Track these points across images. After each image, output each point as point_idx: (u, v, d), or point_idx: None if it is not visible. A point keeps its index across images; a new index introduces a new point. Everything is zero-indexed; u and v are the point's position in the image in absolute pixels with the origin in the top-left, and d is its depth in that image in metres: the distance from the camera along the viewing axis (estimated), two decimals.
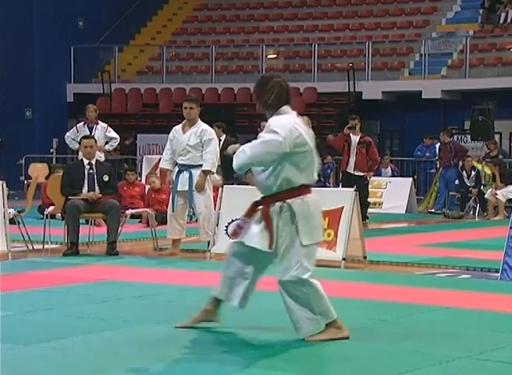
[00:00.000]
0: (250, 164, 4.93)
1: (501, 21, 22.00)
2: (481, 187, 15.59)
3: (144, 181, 14.48)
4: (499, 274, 7.71)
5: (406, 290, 7.13)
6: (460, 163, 15.75)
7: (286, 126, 4.88)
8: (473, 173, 15.56)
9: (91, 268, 8.29)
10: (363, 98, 20.71)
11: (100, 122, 12.83)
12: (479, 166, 15.85)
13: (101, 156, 11.94)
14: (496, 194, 14.79)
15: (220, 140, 11.86)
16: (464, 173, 15.58)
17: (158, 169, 11.24)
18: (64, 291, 6.83)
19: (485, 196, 15.27)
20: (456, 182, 15.94)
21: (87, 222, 10.15)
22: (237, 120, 19.88)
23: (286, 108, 5.03)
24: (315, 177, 5.07)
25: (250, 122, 17.91)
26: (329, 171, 17.91)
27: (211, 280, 7.55)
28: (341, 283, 7.45)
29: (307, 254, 4.93)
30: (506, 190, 14.76)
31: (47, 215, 9.75)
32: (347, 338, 5.00)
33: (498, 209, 14.85)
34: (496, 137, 18.21)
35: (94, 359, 4.61)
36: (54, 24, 22.26)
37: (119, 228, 9.30)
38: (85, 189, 9.27)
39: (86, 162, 9.44)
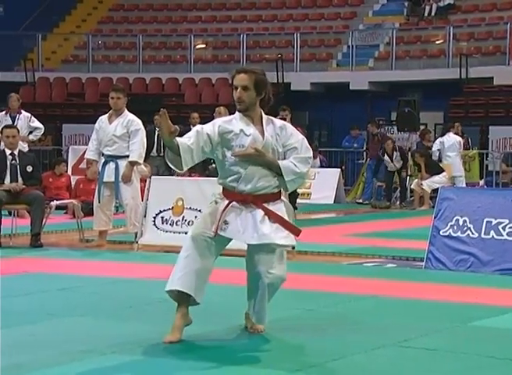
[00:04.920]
0: None
1: (425, 14, 22.42)
2: (406, 175, 15.85)
3: (70, 172, 14.23)
4: (423, 263, 7.85)
5: (333, 279, 7.19)
6: (380, 151, 15.91)
7: None
8: (395, 153, 15.74)
9: (14, 260, 8.09)
10: (291, 89, 20.81)
11: (23, 111, 12.54)
12: (406, 157, 16.09)
13: (24, 146, 11.67)
14: (422, 184, 15.07)
15: None
16: (387, 157, 15.76)
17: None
18: None
19: (411, 186, 15.54)
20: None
21: (10, 213, 9.90)
22: (168, 111, 19.70)
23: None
24: None
25: (179, 112, 17.79)
26: None
27: (138, 271, 7.50)
28: None
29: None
30: (431, 180, 15.05)
31: None
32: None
33: (423, 199, 15.14)
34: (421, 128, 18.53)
35: (13, 354, 4.48)
36: None
37: (44, 220, 9.11)
38: (7, 180, 9.05)
39: (8, 152, 9.22)
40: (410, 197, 15.96)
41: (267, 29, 23.38)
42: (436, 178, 15.03)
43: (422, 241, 8.14)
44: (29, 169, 9.15)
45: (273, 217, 4.79)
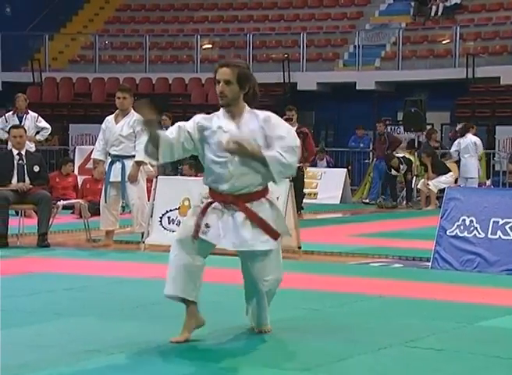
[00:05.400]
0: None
1: (432, 14, 22.38)
2: (412, 177, 15.84)
3: (76, 172, 14.25)
4: (430, 263, 7.84)
5: (339, 279, 7.18)
6: (387, 166, 15.92)
7: None
8: (402, 166, 15.74)
9: (21, 260, 8.11)
10: (298, 88, 20.80)
11: (30, 111, 12.57)
12: (411, 157, 16.08)
13: (31, 146, 11.70)
14: (428, 184, 15.06)
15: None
16: (393, 171, 15.78)
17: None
18: None
19: (418, 186, 15.52)
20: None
21: (17, 213, 9.92)
22: (172, 110, 19.73)
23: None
24: None
25: (185, 112, 17.81)
26: None
27: (145, 271, 7.50)
28: None
29: None
30: (437, 180, 15.03)
31: None
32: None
33: (430, 199, 15.12)
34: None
35: (21, 353, 4.49)
36: None
37: (51, 219, 9.12)
38: (14, 180, 9.07)
39: (15, 152, 9.24)
40: (417, 197, 15.94)
41: (273, 29, 23.38)
42: (443, 178, 15.01)
43: (429, 241, 8.13)
44: (36, 169, 9.17)
45: (254, 220, 4.61)
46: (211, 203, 4.68)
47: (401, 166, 15.67)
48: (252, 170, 4.64)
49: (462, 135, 15.84)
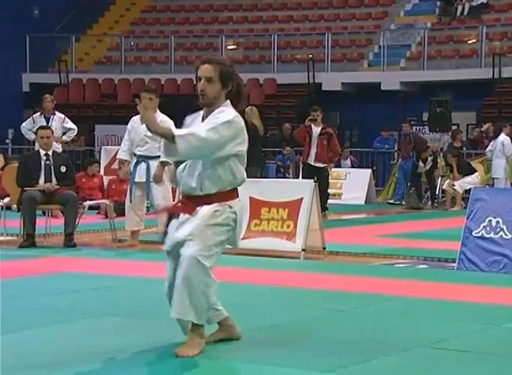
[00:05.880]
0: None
1: (458, 13, 22.24)
2: (438, 177, 15.77)
3: (102, 172, 14.35)
4: (455, 264, 7.80)
5: (364, 280, 7.17)
6: (414, 157, 15.89)
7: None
8: (429, 158, 15.71)
9: (48, 260, 8.18)
10: (322, 89, 20.77)
11: (57, 112, 12.68)
12: (438, 159, 16.01)
13: (58, 147, 11.79)
14: (454, 185, 14.97)
15: None
16: (421, 163, 15.73)
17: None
18: (19, 284, 6.72)
19: (443, 187, 15.45)
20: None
21: (44, 213, 10.02)
22: (196, 111, 19.82)
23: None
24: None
25: None
26: (289, 162, 17.95)
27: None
28: (300, 274, 7.47)
29: None
30: (463, 181, 14.94)
31: (2, 206, 9.60)
32: None
33: (455, 200, 15.03)
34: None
35: (49, 352, 4.54)
36: (9, 13, 21.89)
37: (77, 219, 9.20)
38: (42, 180, 9.15)
39: (42, 153, 9.32)
40: (442, 197, 15.86)
41: (298, 29, 23.36)
42: (468, 179, 14.92)
43: (454, 242, 8.08)
44: (63, 169, 9.24)
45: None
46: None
47: (429, 159, 15.60)
48: (201, 171, 4.37)
49: (497, 136, 15.69)
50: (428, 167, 15.65)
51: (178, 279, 4.38)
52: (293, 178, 16.37)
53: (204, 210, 4.39)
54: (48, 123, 12.11)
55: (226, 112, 4.40)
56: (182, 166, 4.50)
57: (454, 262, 7.85)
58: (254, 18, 24.13)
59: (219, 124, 4.33)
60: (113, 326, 5.22)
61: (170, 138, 4.26)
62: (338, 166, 16.36)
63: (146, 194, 9.08)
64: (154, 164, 8.94)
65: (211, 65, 4.41)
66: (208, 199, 4.40)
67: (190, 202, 4.44)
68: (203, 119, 4.48)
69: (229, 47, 23.02)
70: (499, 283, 7.01)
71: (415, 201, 15.45)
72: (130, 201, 9.08)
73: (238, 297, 5.77)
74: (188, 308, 4.36)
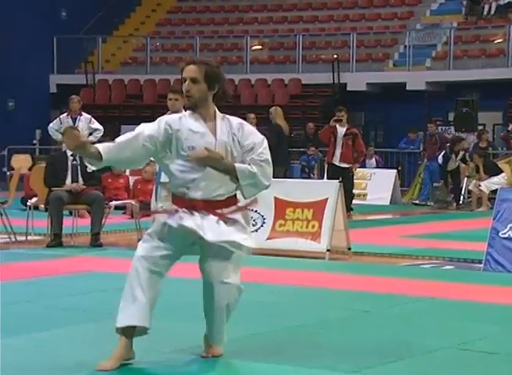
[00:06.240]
0: None
1: (484, 13, 22.07)
2: (464, 178, 15.67)
3: (128, 173, 14.43)
4: (482, 265, 7.75)
5: (390, 281, 7.15)
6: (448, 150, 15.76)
7: None
8: (461, 152, 15.62)
9: (75, 259, 8.25)
10: (347, 89, 20.72)
11: (84, 113, 12.77)
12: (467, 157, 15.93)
13: None
14: (480, 185, 14.87)
15: None
16: (453, 155, 15.61)
17: None
18: (47, 283, 6.80)
19: (469, 187, 15.36)
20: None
21: (71, 213, 10.10)
22: (222, 111, 19.88)
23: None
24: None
25: (235, 114, 17.88)
26: (314, 163, 17.94)
27: (195, 271, 7.55)
28: (325, 274, 7.47)
29: None
30: (489, 181, 14.84)
31: (30, 206, 9.69)
32: None
33: (481, 201, 14.93)
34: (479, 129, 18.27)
35: (77, 352, 4.59)
36: (37, 14, 22.10)
37: (103, 219, 9.26)
38: (68, 180, 9.23)
39: (69, 153, 9.39)
40: (468, 198, 15.76)
41: (323, 29, 23.33)
42: (495, 179, 14.81)
43: (481, 243, 8.04)
44: (89, 169, 9.30)
45: (228, 221, 4.21)
46: (176, 211, 4.24)
47: (460, 153, 15.49)
48: (223, 177, 4.24)
49: None
50: (458, 161, 15.50)
51: (218, 304, 4.31)
52: (318, 178, 16.36)
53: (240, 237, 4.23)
54: (74, 123, 12.21)
55: (253, 130, 4.35)
56: (184, 168, 4.24)
57: (480, 263, 7.81)
58: (278, 18, 24.13)
59: (265, 160, 4.26)
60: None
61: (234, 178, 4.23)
62: (363, 166, 16.32)
63: None
64: None
65: (195, 65, 4.28)
66: (225, 203, 4.27)
67: (209, 207, 4.23)
68: (205, 121, 4.29)
69: (254, 47, 23.04)
70: None
71: (443, 194, 15.33)
72: (156, 201, 9.13)
73: (262, 297, 5.79)
74: (224, 332, 4.42)
